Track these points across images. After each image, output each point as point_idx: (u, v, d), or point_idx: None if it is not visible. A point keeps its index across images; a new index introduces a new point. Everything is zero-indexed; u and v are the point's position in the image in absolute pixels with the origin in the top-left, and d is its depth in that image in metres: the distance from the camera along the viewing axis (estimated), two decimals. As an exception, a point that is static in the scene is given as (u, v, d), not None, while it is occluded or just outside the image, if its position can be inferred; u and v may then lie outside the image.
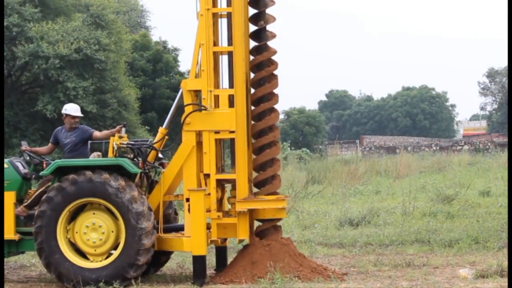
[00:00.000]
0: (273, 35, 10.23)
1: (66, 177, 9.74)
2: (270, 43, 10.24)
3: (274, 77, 10.26)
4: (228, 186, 10.45)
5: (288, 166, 31.44)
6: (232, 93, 10.04)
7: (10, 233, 10.13)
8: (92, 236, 9.80)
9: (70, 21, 31.28)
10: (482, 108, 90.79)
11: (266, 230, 10.14)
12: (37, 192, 10.23)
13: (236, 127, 9.97)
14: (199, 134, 10.06)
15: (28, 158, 10.77)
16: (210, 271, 10.44)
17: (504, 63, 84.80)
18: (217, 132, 10.02)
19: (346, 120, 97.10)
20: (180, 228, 10.32)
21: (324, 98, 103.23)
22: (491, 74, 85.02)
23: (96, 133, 10.77)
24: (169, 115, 10.51)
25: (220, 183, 10.22)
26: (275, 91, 10.25)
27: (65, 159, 10.25)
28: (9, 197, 10.20)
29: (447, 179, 25.20)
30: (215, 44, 10.20)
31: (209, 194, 9.91)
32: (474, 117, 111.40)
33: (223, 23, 10.33)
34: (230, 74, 10.17)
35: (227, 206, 10.33)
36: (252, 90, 10.27)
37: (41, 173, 10.12)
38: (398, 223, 14.99)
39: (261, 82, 10.22)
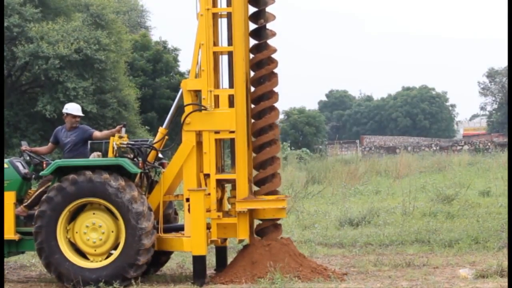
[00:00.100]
0: (273, 33, 10.23)
1: (66, 177, 9.74)
2: (270, 41, 10.24)
3: (274, 75, 10.25)
4: (228, 186, 10.45)
5: (288, 166, 31.44)
6: (232, 93, 10.04)
7: (10, 233, 10.13)
8: (92, 236, 9.80)
9: (70, 21, 31.28)
10: (482, 108, 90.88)
11: (266, 228, 10.14)
12: (37, 192, 10.23)
13: (236, 127, 9.96)
14: (199, 134, 10.06)
15: (28, 158, 10.77)
16: (210, 271, 10.44)
17: (504, 63, 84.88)
18: (217, 132, 10.02)
19: (346, 120, 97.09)
20: (180, 228, 10.31)
21: (324, 98, 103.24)
22: (491, 74, 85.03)
23: (96, 133, 10.77)
24: (169, 115, 10.50)
25: (220, 183, 10.22)
26: (275, 89, 10.25)
27: (65, 159, 10.25)
28: (9, 197, 10.20)
29: (447, 179, 25.20)
30: (215, 44, 10.19)
31: (209, 194, 9.91)
32: (474, 117, 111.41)
33: (223, 23, 10.33)
34: (230, 74, 10.17)
35: (227, 206, 10.32)
36: (252, 89, 10.27)
37: (41, 173, 10.12)
38: (398, 223, 14.99)
39: (261, 80, 10.22)
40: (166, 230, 10.20)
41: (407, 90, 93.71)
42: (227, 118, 9.97)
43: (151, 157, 10.28)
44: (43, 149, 11.23)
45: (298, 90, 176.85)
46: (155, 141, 10.39)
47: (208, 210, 9.87)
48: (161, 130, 10.35)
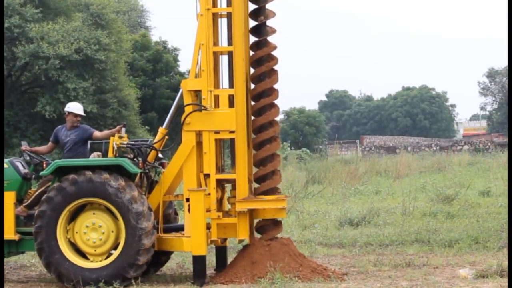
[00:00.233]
0: (273, 30, 10.21)
1: (66, 177, 9.74)
2: (270, 39, 10.22)
3: (274, 72, 10.24)
4: (228, 186, 10.44)
5: (288, 166, 31.45)
6: (232, 93, 10.03)
7: (10, 233, 10.12)
8: (92, 236, 9.80)
9: (71, 21, 31.27)
10: (482, 108, 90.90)
11: (266, 225, 10.14)
12: (37, 192, 10.22)
13: (236, 127, 9.96)
14: (199, 134, 10.05)
15: (28, 158, 10.77)
16: (210, 271, 10.44)
17: (504, 63, 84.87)
18: (217, 132, 10.02)
19: (346, 120, 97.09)
20: (180, 228, 10.31)
21: (324, 98, 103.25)
22: (491, 74, 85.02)
23: (96, 133, 10.76)
24: (169, 115, 10.50)
25: (220, 183, 10.21)
26: (275, 86, 10.24)
27: (65, 159, 10.25)
28: (9, 197, 10.19)
29: (447, 179, 25.20)
30: (215, 44, 10.19)
31: (209, 194, 9.90)
32: (474, 117, 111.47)
33: (223, 23, 10.32)
34: (230, 74, 10.16)
35: (227, 206, 10.32)
36: (252, 86, 10.27)
37: (41, 173, 10.12)
38: (398, 223, 14.99)
39: (261, 77, 10.20)
40: (166, 230, 10.19)
41: (407, 90, 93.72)
42: (227, 118, 9.97)
43: (151, 157, 10.27)
44: (43, 148, 11.22)
45: (298, 90, 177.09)
46: (155, 141, 10.38)
47: (208, 210, 9.87)
48: (161, 130, 10.34)
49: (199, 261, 9.74)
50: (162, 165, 10.41)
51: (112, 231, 9.79)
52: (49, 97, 30.03)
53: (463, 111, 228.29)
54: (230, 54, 10.18)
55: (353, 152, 50.93)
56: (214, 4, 10.14)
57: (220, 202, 10.19)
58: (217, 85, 10.21)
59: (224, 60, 10.37)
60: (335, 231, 14.57)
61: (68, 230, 9.85)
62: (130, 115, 33.17)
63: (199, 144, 10.05)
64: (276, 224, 10.18)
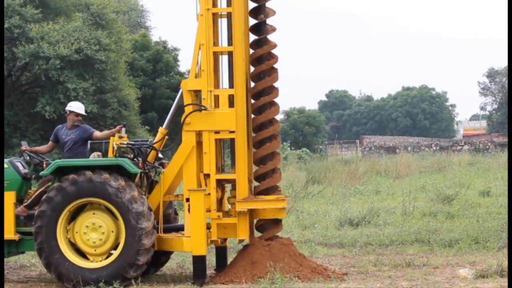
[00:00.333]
0: (273, 28, 10.21)
1: (66, 177, 9.74)
2: (270, 37, 10.22)
3: (274, 70, 10.24)
4: (228, 186, 10.44)
5: (288, 166, 31.44)
6: (232, 93, 10.03)
7: (10, 233, 10.12)
8: (92, 236, 9.80)
9: (71, 21, 31.27)
10: (482, 108, 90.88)
11: (266, 224, 10.14)
12: (37, 192, 10.22)
13: (236, 127, 9.96)
14: (199, 134, 10.05)
15: (28, 158, 10.77)
16: (210, 271, 10.44)
17: (504, 63, 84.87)
18: (217, 132, 10.02)
19: (346, 120, 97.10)
20: (180, 228, 10.31)
21: (324, 98, 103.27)
22: (491, 74, 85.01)
23: (97, 133, 10.77)
24: (169, 115, 10.50)
25: (220, 183, 10.21)
26: (275, 84, 10.24)
27: (65, 159, 10.25)
28: (9, 197, 10.19)
29: (447, 179, 25.20)
30: (215, 44, 10.19)
31: (209, 194, 9.90)
32: (474, 117, 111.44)
33: (223, 23, 10.32)
34: (230, 74, 10.16)
35: (227, 206, 10.32)
36: (252, 84, 10.26)
37: (41, 173, 10.12)
38: (398, 223, 14.99)
39: (261, 75, 10.20)
40: (166, 230, 10.19)
41: (407, 90, 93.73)
42: (227, 118, 9.97)
43: (151, 157, 10.27)
44: (43, 148, 11.22)
45: (298, 90, 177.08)
46: (155, 141, 10.38)
47: (208, 210, 9.87)
48: (161, 130, 10.34)
49: (199, 261, 9.74)
50: (162, 165, 10.41)
51: (112, 231, 9.79)
52: (49, 97, 30.04)
53: (463, 111, 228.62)
54: (230, 54, 10.18)
55: (353, 152, 50.93)
56: (214, 4, 10.14)
57: (220, 202, 10.18)
58: (217, 85, 10.21)
59: (224, 60, 10.37)
60: (335, 231, 14.57)
61: (68, 230, 9.85)
62: (130, 115, 33.18)
63: (199, 144, 10.05)
64: (276, 222, 10.18)
